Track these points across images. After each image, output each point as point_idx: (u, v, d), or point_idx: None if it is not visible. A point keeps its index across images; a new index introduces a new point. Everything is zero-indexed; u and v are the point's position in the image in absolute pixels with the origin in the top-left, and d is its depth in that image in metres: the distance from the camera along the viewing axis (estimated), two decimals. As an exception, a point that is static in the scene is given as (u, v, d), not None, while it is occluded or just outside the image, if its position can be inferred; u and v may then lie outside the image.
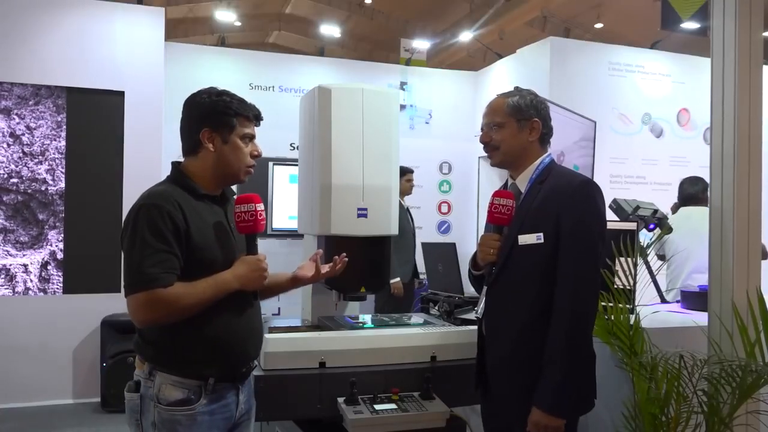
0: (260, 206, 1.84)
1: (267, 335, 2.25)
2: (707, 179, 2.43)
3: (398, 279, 5.26)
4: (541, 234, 1.92)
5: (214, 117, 1.84)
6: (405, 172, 5.61)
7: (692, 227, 3.82)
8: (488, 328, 2.04)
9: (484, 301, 2.05)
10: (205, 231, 1.79)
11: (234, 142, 1.86)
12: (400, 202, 5.51)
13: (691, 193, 4.10)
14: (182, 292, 1.70)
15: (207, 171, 1.86)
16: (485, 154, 2.10)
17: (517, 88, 2.13)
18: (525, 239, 1.94)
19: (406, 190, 5.60)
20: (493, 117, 2.05)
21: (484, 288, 2.06)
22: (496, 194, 2.02)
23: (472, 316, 2.52)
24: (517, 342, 1.94)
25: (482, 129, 2.10)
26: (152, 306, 1.68)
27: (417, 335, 2.40)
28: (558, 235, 1.90)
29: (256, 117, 1.92)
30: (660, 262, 4.04)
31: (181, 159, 1.92)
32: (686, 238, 3.86)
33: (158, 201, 1.73)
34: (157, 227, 1.69)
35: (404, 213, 5.57)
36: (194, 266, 1.74)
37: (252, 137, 1.91)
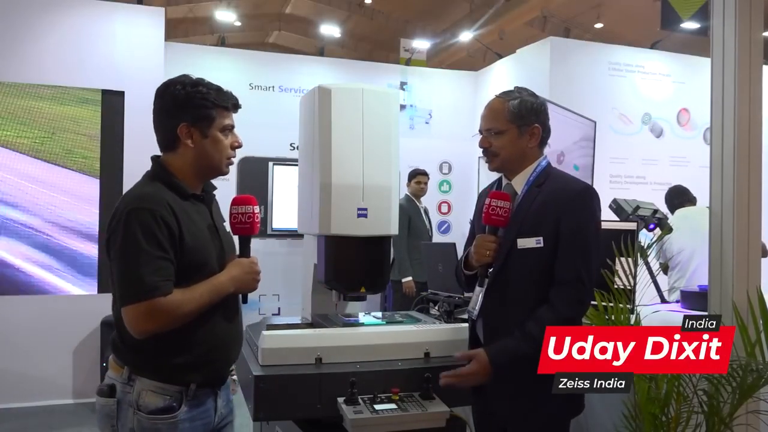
0: (257, 208, 1.82)
1: (264, 332, 2.25)
2: (707, 179, 2.43)
3: (410, 278, 5.25)
4: (541, 238, 1.92)
5: (191, 111, 1.73)
6: (416, 174, 5.60)
7: (691, 226, 3.85)
8: (486, 330, 2.03)
9: (480, 302, 2.05)
10: (195, 233, 1.73)
11: (214, 136, 1.77)
12: (415, 203, 5.55)
13: (680, 201, 4.22)
14: (181, 299, 1.65)
15: (188, 167, 1.78)
16: (486, 160, 2.09)
17: (517, 89, 2.09)
18: (524, 243, 1.94)
19: (416, 191, 5.58)
20: (494, 123, 2.02)
21: (478, 288, 2.05)
22: (492, 195, 2.00)
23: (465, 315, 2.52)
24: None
25: (481, 132, 2.07)
26: (154, 316, 1.61)
27: (411, 332, 2.43)
28: (557, 240, 1.91)
29: (234, 106, 1.82)
30: (660, 262, 4.05)
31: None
32: (687, 237, 3.88)
33: (150, 204, 1.65)
34: (152, 233, 1.62)
35: (419, 213, 5.56)
36: (186, 269, 1.68)
37: (231, 128, 1.82)
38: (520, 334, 1.87)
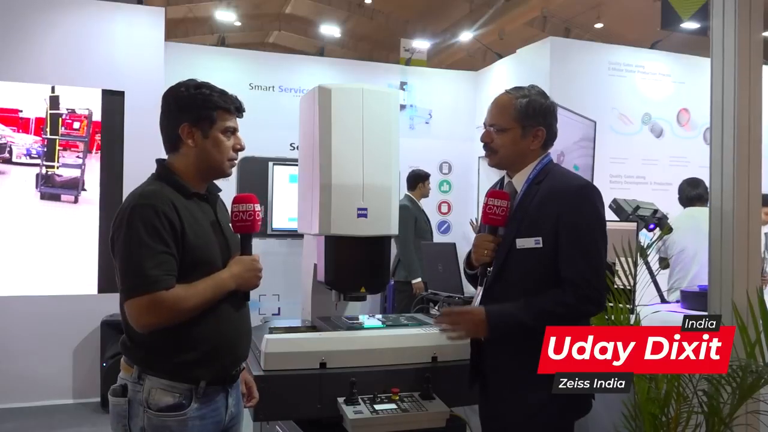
0: (257, 207, 1.84)
1: (267, 336, 2.25)
2: (707, 179, 2.43)
3: (419, 279, 5.24)
4: (540, 238, 1.88)
5: (192, 111, 1.78)
6: (425, 178, 5.65)
7: (697, 228, 3.82)
8: None
9: (479, 302, 2.02)
10: (198, 231, 1.75)
11: (215, 137, 1.80)
12: (417, 203, 5.57)
13: (693, 195, 4.13)
14: (183, 294, 1.67)
15: (190, 167, 1.81)
16: (485, 154, 2.06)
17: (529, 87, 2.04)
18: (523, 243, 1.90)
19: (425, 194, 5.68)
20: (498, 119, 1.99)
21: (479, 288, 2.03)
22: (490, 194, 1.98)
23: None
24: (516, 344, 1.92)
25: (485, 125, 2.04)
26: (155, 309, 1.63)
27: (418, 335, 2.40)
28: (557, 238, 1.87)
29: (237, 109, 1.85)
30: (660, 256, 4.03)
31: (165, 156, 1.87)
32: (691, 238, 3.85)
33: (153, 201, 1.68)
34: (154, 228, 1.65)
35: (422, 214, 5.59)
36: (189, 267, 1.71)
37: (234, 130, 1.85)
38: (524, 302, 1.86)
